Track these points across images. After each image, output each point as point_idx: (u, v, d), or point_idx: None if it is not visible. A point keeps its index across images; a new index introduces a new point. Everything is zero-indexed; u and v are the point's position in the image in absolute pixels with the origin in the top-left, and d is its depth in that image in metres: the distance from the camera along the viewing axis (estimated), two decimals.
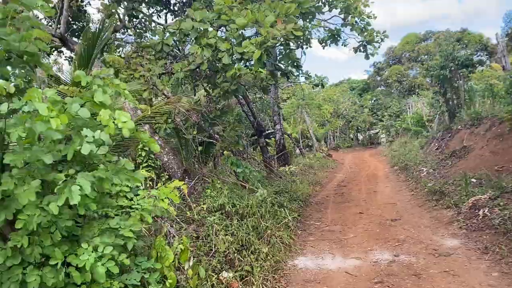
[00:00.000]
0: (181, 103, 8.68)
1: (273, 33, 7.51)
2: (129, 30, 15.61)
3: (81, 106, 3.49)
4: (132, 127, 3.48)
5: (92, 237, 3.77)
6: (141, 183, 4.13)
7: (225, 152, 9.02)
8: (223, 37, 8.19)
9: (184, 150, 10.00)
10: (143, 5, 13.41)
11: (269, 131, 22.93)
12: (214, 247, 6.51)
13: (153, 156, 8.10)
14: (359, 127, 57.18)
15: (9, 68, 4.01)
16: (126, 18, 14.52)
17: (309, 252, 8.34)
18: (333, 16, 14.46)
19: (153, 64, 10.02)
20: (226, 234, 6.95)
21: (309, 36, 15.12)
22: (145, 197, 4.58)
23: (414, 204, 12.17)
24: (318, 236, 9.61)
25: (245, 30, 7.95)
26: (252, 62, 12.63)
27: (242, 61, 8.20)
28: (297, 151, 29.91)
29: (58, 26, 9.89)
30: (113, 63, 5.18)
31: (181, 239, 5.03)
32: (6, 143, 3.60)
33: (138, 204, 4.41)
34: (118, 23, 14.19)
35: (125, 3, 12.52)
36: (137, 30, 16.01)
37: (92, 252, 3.61)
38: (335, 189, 17.18)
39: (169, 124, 9.73)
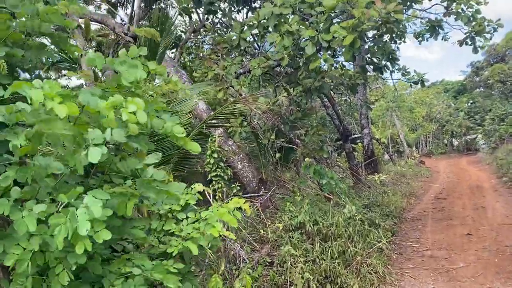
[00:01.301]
0: (257, 104, 7.60)
1: (370, 14, 6.16)
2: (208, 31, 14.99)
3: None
4: (145, 120, 2.41)
5: (114, 281, 2.75)
6: (179, 199, 3.06)
7: (306, 159, 7.81)
8: (307, 23, 6.99)
9: (262, 156, 8.92)
10: (222, 1, 12.59)
11: (356, 136, 21.23)
12: (291, 279, 5.30)
13: (222, 165, 7.11)
14: (454, 132, 52.56)
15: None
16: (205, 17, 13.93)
17: (408, 285, 6.79)
18: (434, 5, 12.57)
19: (228, 61, 9.11)
20: (306, 262, 5.71)
21: (403, 30, 13.39)
22: (197, 220, 3.52)
23: None
24: (418, 262, 7.98)
25: (333, 13, 6.65)
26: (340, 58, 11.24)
27: (329, 51, 6.92)
28: (387, 157, 27.69)
29: (131, 24, 9.35)
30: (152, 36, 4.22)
31: (244, 277, 3.88)
32: None
33: (183, 231, 3.37)
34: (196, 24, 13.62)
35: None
36: (217, 32, 15.35)
37: None
38: (432, 202, 15.09)
39: (244, 128, 8.71)
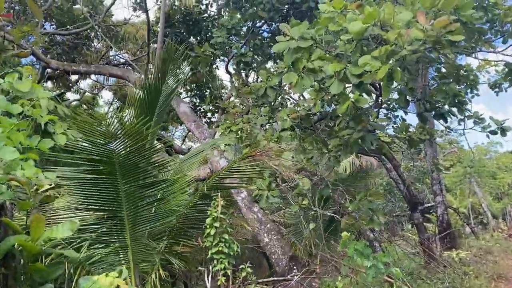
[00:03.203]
0: (282, 159, 6.02)
1: (411, 36, 4.50)
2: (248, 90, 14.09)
3: None
4: None
5: None
6: None
7: (343, 233, 5.92)
8: (331, 56, 5.44)
9: (294, 227, 7.17)
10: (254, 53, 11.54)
11: (428, 205, 18.60)
12: None
13: (227, 237, 5.34)
14: None
15: None
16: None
17: None
18: (510, 46, 10.58)
19: (254, 113, 7.77)
20: None
21: (475, 79, 11.45)
22: None
23: None
24: None
25: (363, 40, 5.06)
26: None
27: (363, 90, 5.29)
28: (467, 230, 24.15)
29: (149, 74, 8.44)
30: None
31: None
32: None
33: None
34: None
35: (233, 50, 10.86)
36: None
37: None
38: None
39: (273, 191, 7.09)
